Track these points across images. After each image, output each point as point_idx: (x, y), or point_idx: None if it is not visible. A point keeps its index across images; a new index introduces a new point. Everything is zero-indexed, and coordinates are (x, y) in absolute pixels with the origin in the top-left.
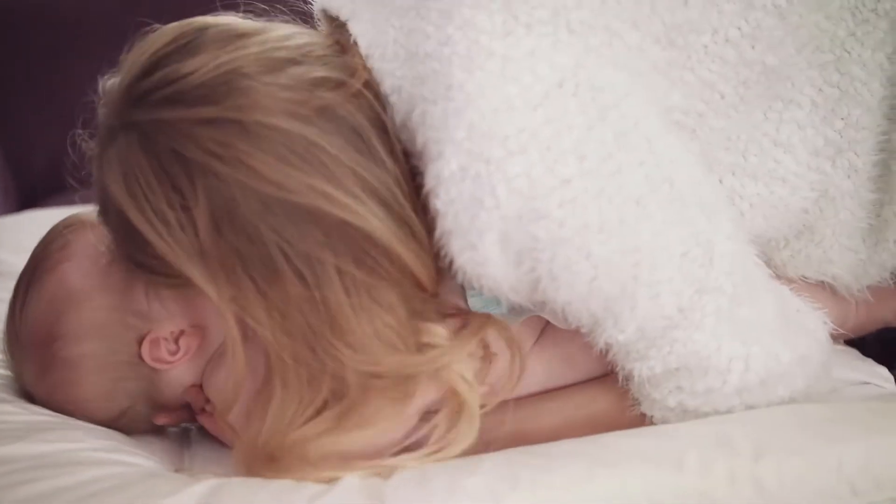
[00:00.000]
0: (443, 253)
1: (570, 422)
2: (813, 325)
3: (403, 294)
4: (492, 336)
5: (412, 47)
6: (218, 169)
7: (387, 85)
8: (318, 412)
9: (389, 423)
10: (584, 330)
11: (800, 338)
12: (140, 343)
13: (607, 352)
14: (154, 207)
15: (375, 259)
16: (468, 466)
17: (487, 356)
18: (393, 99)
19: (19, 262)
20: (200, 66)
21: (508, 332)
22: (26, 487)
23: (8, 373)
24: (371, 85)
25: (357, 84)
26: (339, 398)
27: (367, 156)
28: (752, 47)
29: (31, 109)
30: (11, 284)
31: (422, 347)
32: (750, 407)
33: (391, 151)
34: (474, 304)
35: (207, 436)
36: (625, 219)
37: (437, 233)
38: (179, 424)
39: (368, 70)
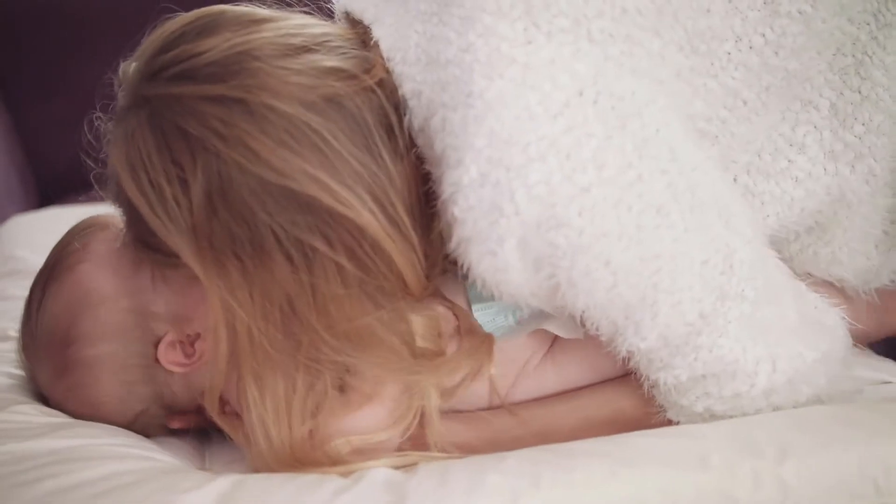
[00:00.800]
0: (460, 262)
1: (592, 422)
2: (831, 322)
3: (390, 293)
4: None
5: (434, 53)
6: (219, 147)
7: (407, 88)
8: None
9: (367, 411)
10: (603, 338)
11: (820, 335)
12: (156, 346)
13: (629, 360)
14: (152, 180)
15: (366, 253)
16: (490, 464)
17: (470, 375)
18: (412, 103)
19: (38, 259)
20: (214, 45)
21: (487, 351)
22: (45, 483)
23: (23, 373)
24: (385, 85)
25: (370, 80)
26: (311, 388)
27: (367, 152)
28: (776, 54)
29: (51, 107)
30: (29, 283)
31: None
32: (777, 408)
33: (394, 152)
34: (482, 318)
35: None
36: (644, 226)
37: (454, 241)
38: (193, 428)
39: (387, 71)
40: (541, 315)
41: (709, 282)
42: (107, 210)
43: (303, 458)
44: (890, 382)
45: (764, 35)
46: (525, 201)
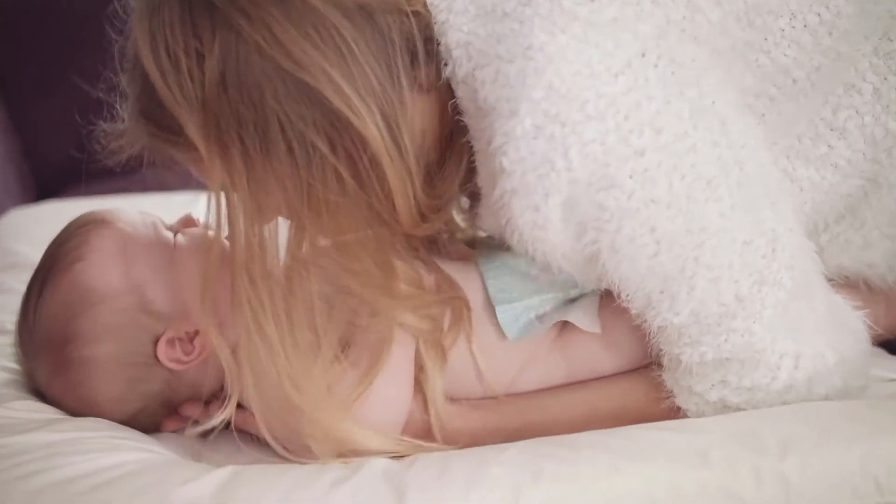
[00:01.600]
0: (502, 213)
1: (598, 413)
2: (854, 325)
3: (380, 217)
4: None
5: (487, 5)
6: (242, 25)
7: (451, 38)
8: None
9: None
10: (633, 311)
11: (844, 337)
12: (155, 344)
13: (656, 335)
14: (170, 50)
15: (364, 166)
16: (490, 456)
17: (437, 328)
18: (457, 53)
19: (35, 254)
20: None
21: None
22: (42, 476)
23: (19, 367)
24: (421, 18)
25: (407, 6)
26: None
27: (387, 70)
28: (830, 34)
29: (48, 101)
30: (27, 276)
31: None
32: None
33: (413, 80)
34: (504, 318)
35: (227, 430)
36: (694, 197)
37: (498, 191)
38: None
39: (426, 8)
40: (562, 308)
41: (749, 263)
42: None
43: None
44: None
45: (819, 14)
46: (578, 158)
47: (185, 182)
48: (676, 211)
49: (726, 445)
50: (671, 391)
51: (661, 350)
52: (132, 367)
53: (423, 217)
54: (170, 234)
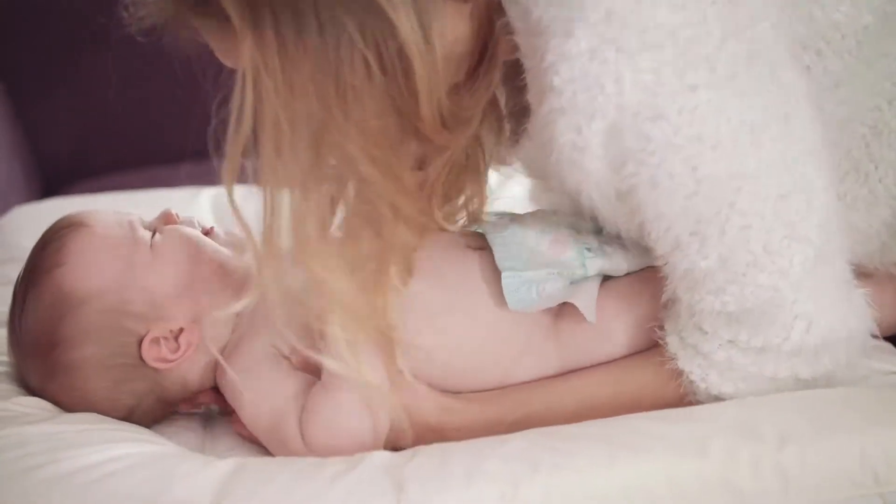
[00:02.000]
0: (545, 131)
1: (594, 401)
2: (858, 302)
3: (403, 110)
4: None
5: None
6: None
7: None
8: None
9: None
10: (658, 252)
11: (851, 312)
12: (140, 344)
13: (679, 280)
14: None
15: (391, 57)
16: (489, 448)
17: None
18: None
19: None
20: None
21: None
22: (45, 469)
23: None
24: None
25: None
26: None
27: None
28: None
29: (53, 98)
30: None
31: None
32: (795, 377)
33: None
34: (508, 283)
35: (229, 422)
36: (739, 142)
37: (545, 108)
38: (201, 408)
39: None
40: (564, 290)
41: (782, 216)
42: (107, 202)
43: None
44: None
45: None
46: (630, 85)
47: (185, 179)
48: (721, 153)
49: (724, 436)
50: (675, 355)
51: (669, 314)
52: (118, 368)
53: (445, 124)
54: (147, 234)
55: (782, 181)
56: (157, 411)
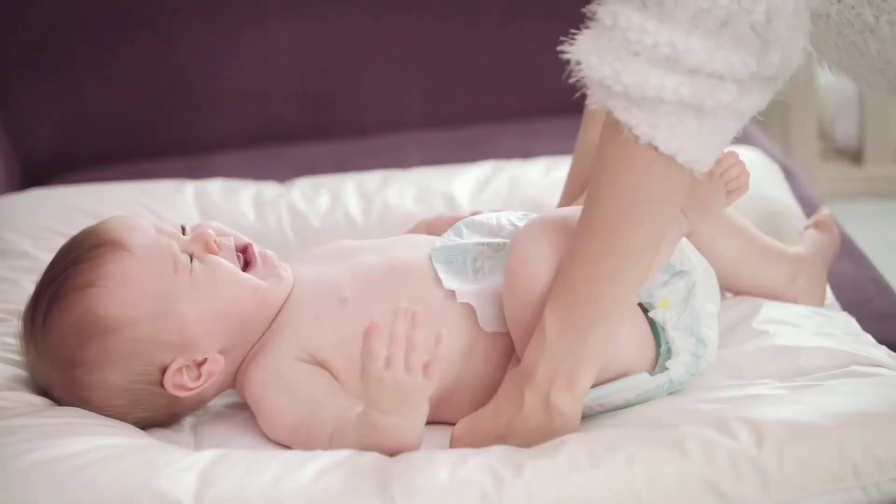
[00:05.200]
0: None
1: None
2: None
3: None
4: None
5: None
6: None
7: None
8: None
9: None
10: None
11: None
12: (163, 372)
13: None
14: None
15: None
16: (473, 450)
17: None
18: None
19: (21, 241)
20: None
21: None
22: (31, 455)
23: (12, 356)
24: None
25: None
26: None
27: None
28: None
29: (35, 88)
30: (13, 263)
31: None
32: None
33: None
34: (437, 255)
35: (218, 419)
36: None
37: None
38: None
39: None
40: (488, 294)
41: None
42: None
43: None
44: (878, 366)
45: None
46: None
47: (170, 171)
48: None
49: (702, 436)
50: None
51: None
52: (137, 391)
53: None
54: (186, 259)
55: None
56: (167, 421)
